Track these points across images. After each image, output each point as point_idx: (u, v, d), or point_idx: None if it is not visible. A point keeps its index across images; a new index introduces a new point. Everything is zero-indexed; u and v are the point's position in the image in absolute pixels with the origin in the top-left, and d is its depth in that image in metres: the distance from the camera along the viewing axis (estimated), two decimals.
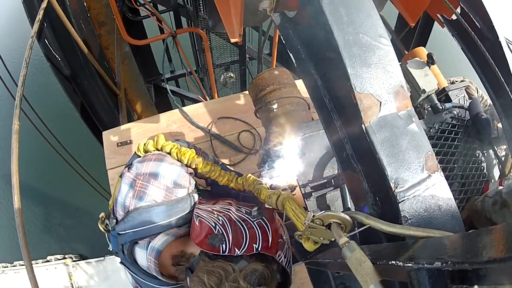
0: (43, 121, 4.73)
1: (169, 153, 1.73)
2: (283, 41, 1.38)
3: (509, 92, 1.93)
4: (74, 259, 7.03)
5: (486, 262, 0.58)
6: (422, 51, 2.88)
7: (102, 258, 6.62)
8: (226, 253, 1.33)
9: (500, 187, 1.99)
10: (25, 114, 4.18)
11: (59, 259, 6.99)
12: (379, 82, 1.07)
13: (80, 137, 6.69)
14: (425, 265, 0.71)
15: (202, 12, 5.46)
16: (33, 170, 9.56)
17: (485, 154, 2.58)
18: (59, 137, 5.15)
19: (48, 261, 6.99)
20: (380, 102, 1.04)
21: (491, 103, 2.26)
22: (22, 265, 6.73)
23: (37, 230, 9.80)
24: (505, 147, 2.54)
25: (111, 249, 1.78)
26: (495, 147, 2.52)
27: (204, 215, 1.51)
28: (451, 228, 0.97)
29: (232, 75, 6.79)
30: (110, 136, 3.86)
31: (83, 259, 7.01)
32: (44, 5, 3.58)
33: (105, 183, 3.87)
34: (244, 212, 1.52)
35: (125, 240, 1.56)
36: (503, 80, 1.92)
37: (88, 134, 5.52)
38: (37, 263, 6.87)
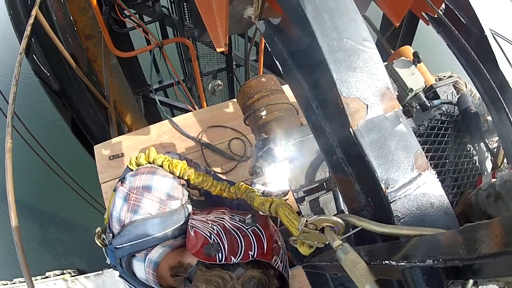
0: (35, 137, 4.71)
1: (161, 166, 1.75)
2: (269, 49, 1.39)
3: (497, 85, 1.95)
4: (72, 274, 6.98)
5: (481, 257, 0.59)
6: (408, 50, 2.89)
7: (101, 272, 6.58)
8: (222, 262, 1.34)
9: (493, 180, 2.00)
10: (17, 131, 4.17)
11: (57, 275, 6.93)
12: (365, 86, 1.08)
13: (73, 152, 6.65)
14: (418, 264, 0.72)
15: (187, 21, 5.47)
16: (27, 187, 9.49)
17: (477, 147, 2.60)
18: (51, 152, 5.13)
19: (47, 277, 6.93)
20: (367, 105, 1.06)
21: (480, 96, 2.28)
22: (22, 282, 6.69)
23: (34, 247, 9.71)
24: (496, 139, 2.55)
25: (109, 263, 1.78)
26: (486, 140, 2.54)
27: (199, 225, 1.52)
28: (445, 225, 0.99)
29: (220, 83, 6.81)
30: (101, 150, 3.85)
31: (81, 274, 6.95)
32: (31, 21, 3.57)
33: (99, 197, 3.86)
34: (238, 220, 1.53)
35: (122, 253, 1.57)
36: (488, 73, 1.94)
37: (80, 148, 5.50)
38: (36, 279, 6.81)
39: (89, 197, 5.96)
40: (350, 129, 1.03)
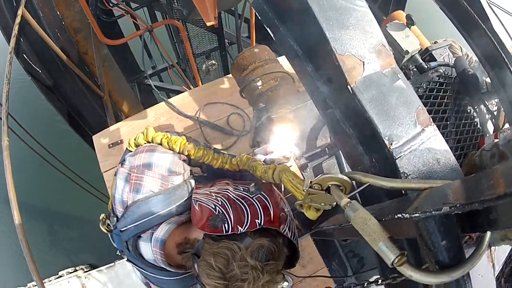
0: (32, 135, 4.69)
1: (160, 144, 1.72)
2: (259, 17, 1.36)
3: (495, 43, 1.92)
4: (85, 270, 7.00)
5: (490, 200, 0.56)
6: (401, 14, 2.86)
7: (112, 264, 6.59)
8: (229, 233, 1.31)
9: (496, 140, 1.99)
10: (13, 132, 4.15)
11: (70, 273, 6.96)
12: (360, 43, 1.06)
13: (73, 146, 6.65)
14: (433, 212, 0.69)
15: (176, 3, 5.41)
16: (31, 187, 9.47)
17: (477, 109, 2.58)
18: (51, 150, 5.12)
19: (60, 276, 6.96)
20: (363, 62, 1.03)
21: (477, 59, 2.25)
22: (35, 286, 6.73)
23: (44, 248, 9.76)
24: (496, 101, 2.53)
25: (119, 253, 1.77)
26: (486, 102, 2.52)
27: (203, 198, 1.49)
28: (452, 180, 0.96)
29: (214, 62, 6.78)
30: (100, 139, 3.83)
31: (93, 268, 6.97)
32: (18, 20, 3.55)
33: (103, 188, 3.85)
34: (242, 189, 1.49)
35: (128, 236, 1.54)
36: (487, 32, 1.91)
37: (80, 142, 5.49)
38: (50, 280, 6.85)
39: (93, 190, 5.95)
40: (348, 87, 1.00)
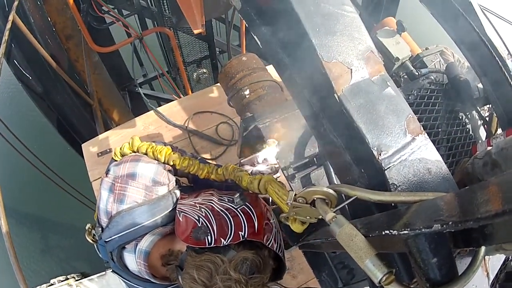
0: (23, 143, 4.67)
1: (146, 153, 1.71)
2: (247, 25, 1.34)
3: (488, 48, 1.91)
4: (76, 278, 6.97)
5: (486, 218, 0.52)
6: (391, 21, 2.85)
7: (104, 272, 6.56)
8: (212, 245, 1.30)
9: (489, 148, 1.97)
10: (4, 138, 4.13)
11: (62, 281, 6.93)
12: (347, 49, 1.03)
13: (64, 154, 6.62)
14: (423, 230, 0.65)
15: (166, 11, 5.41)
16: (22, 195, 9.43)
17: (469, 115, 2.57)
18: (43, 158, 5.11)
19: (51, 284, 6.93)
20: (351, 70, 1.00)
21: (469, 65, 2.24)
22: None
23: (36, 256, 9.70)
24: (487, 107, 2.52)
25: (105, 264, 1.76)
26: (478, 107, 2.50)
27: (187, 209, 1.47)
28: (445, 191, 0.92)
29: (204, 70, 6.77)
30: (89, 148, 3.81)
31: (85, 277, 6.94)
32: (9, 25, 3.54)
33: (94, 197, 3.83)
34: (226, 200, 1.48)
35: (112, 246, 1.53)
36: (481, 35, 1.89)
37: (71, 151, 5.48)
38: None
39: (84, 199, 5.94)
40: (335, 95, 0.97)
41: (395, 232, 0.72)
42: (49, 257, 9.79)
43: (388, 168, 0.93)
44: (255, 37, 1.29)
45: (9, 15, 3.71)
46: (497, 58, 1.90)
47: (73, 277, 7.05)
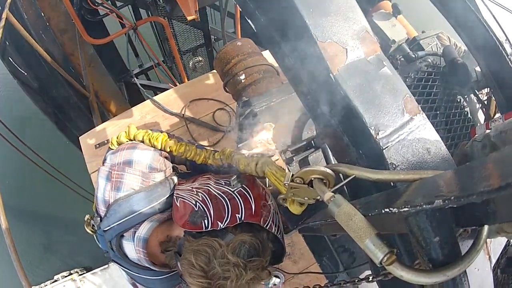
0: (21, 139, 4.66)
1: (142, 141, 1.70)
2: (241, 10, 1.32)
3: (485, 29, 1.89)
4: (80, 273, 6.97)
5: (488, 192, 0.50)
6: (387, 4, 2.83)
7: (107, 265, 6.58)
8: (209, 229, 1.29)
9: (488, 131, 1.97)
10: (2, 136, 4.12)
11: (65, 276, 6.93)
12: (342, 29, 1.02)
13: (63, 148, 6.60)
14: (424, 206, 0.63)
15: (160, 0, 5.37)
16: (22, 192, 9.42)
17: (467, 98, 2.56)
18: (41, 153, 5.09)
19: (55, 280, 6.93)
20: (346, 49, 0.99)
21: (466, 49, 2.23)
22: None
23: (39, 252, 9.70)
24: (486, 90, 2.51)
25: (104, 254, 1.74)
26: (476, 91, 2.49)
27: (184, 194, 1.46)
28: (445, 170, 0.92)
29: (200, 58, 6.73)
30: (87, 140, 3.79)
31: (88, 271, 6.95)
32: (2, 23, 3.52)
33: (93, 189, 3.82)
34: (223, 183, 1.47)
35: (111, 235, 1.52)
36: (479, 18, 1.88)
37: (70, 144, 5.45)
38: (46, 285, 6.82)
39: (84, 192, 5.93)
40: (331, 75, 0.95)
41: (395, 210, 0.70)
42: (52, 253, 9.79)
43: (386, 147, 0.92)
44: (249, 21, 1.28)
45: (2, 13, 3.68)
46: (496, 41, 1.89)
47: (77, 272, 7.06)
